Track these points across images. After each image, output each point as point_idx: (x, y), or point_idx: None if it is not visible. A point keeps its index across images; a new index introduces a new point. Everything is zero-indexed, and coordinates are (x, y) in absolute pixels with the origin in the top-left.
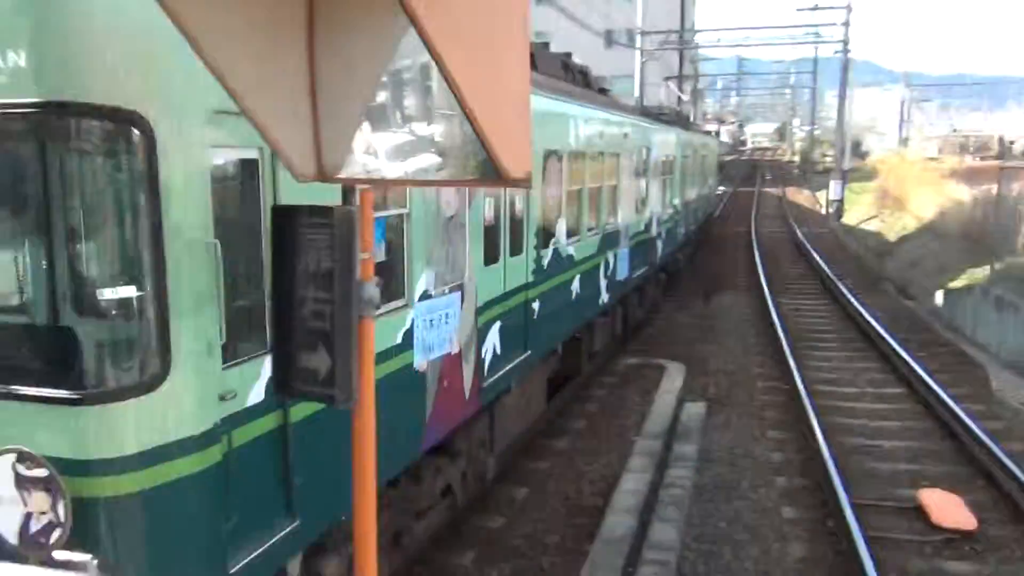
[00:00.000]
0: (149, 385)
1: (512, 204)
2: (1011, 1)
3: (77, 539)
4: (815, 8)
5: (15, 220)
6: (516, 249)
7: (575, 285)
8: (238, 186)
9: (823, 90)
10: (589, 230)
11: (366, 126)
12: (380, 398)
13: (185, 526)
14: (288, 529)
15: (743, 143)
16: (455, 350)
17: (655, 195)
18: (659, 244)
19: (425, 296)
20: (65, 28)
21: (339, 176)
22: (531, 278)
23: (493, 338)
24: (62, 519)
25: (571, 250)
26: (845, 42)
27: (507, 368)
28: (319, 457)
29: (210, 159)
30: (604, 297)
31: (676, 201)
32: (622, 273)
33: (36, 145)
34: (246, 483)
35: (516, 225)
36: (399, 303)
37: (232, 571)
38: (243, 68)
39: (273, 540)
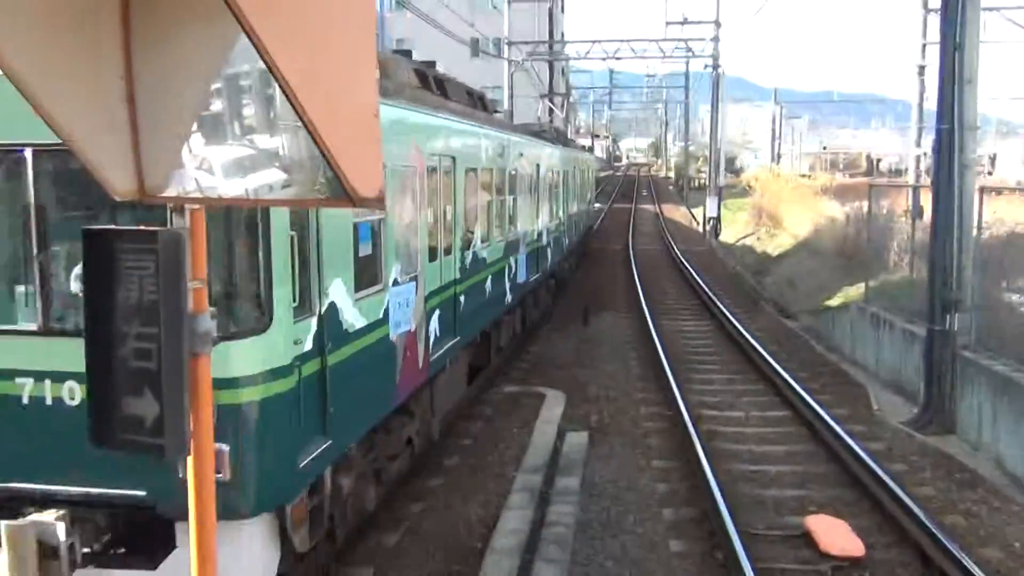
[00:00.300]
0: (262, 330)
1: (444, 211)
2: (875, 24)
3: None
4: (684, 22)
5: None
6: (448, 250)
7: (488, 284)
8: None
9: (696, 105)
10: (497, 237)
11: (198, 138)
12: (367, 361)
13: (279, 426)
14: (324, 446)
15: (618, 158)
16: (412, 328)
17: (544, 208)
18: (549, 252)
19: (395, 282)
20: None
21: (165, 195)
22: (458, 275)
23: (434, 322)
24: None
25: (485, 253)
26: (715, 57)
27: (444, 348)
28: (343, 393)
29: None
30: (508, 297)
31: (561, 214)
32: (521, 276)
33: None
34: (306, 406)
35: (447, 229)
36: (379, 287)
37: (299, 466)
38: (48, 74)
39: (316, 452)
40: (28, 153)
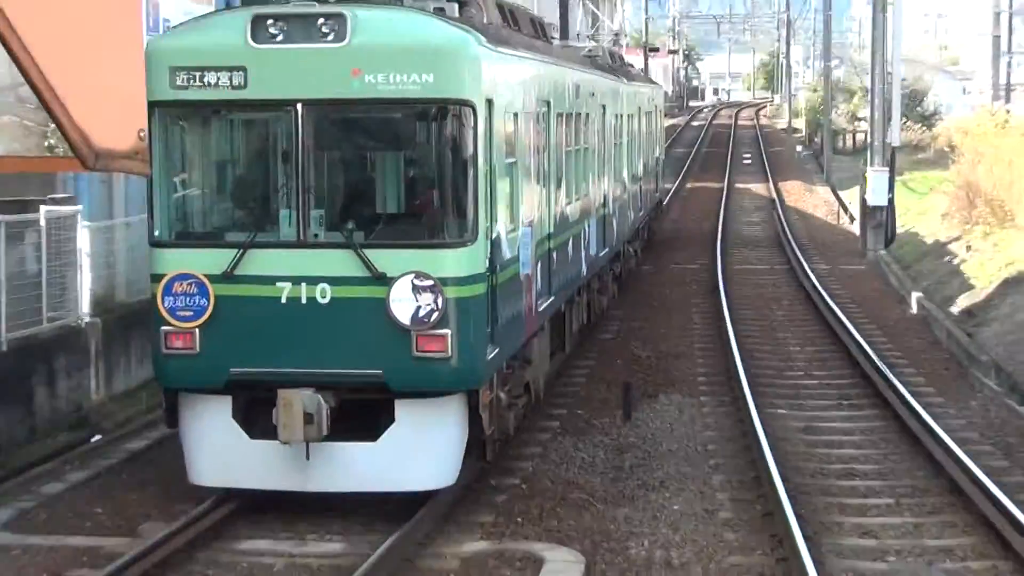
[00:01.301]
0: (470, 242)
1: (543, 160)
2: None
3: (444, 319)
4: None
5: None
6: (546, 201)
7: (570, 247)
8: (498, 131)
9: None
10: (575, 194)
11: None
12: (512, 289)
13: (481, 320)
14: (495, 352)
15: (696, 91)
16: (529, 272)
17: (609, 164)
18: (615, 224)
19: (523, 224)
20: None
21: None
22: (552, 229)
23: (539, 274)
24: (440, 307)
25: (568, 210)
26: None
27: (544, 305)
28: (503, 312)
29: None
30: (584, 269)
31: (626, 174)
32: (593, 247)
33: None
34: (487, 312)
35: (545, 180)
36: (514, 226)
37: (488, 357)
38: None
39: (492, 354)
40: (299, 107)
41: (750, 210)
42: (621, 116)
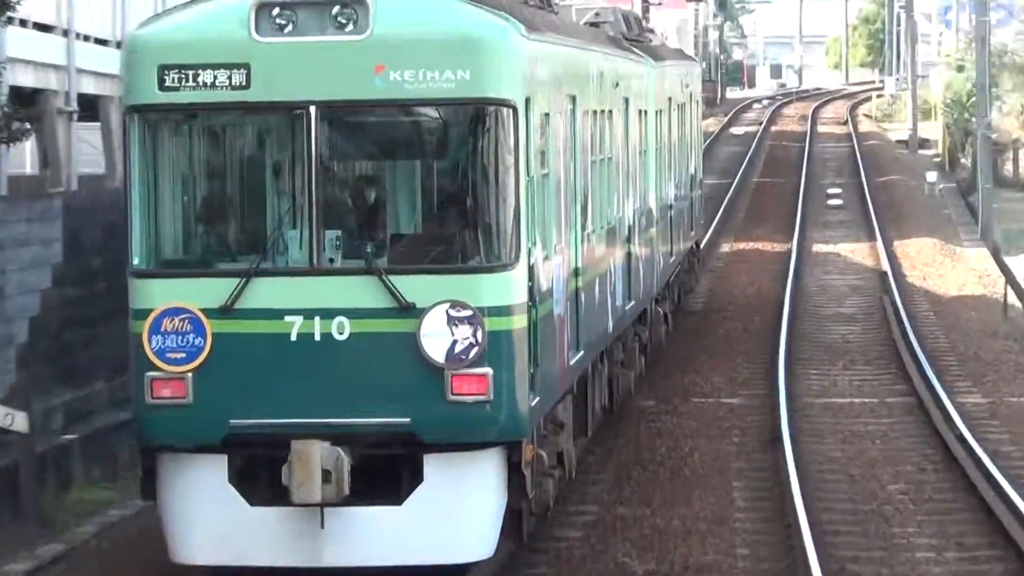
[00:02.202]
0: (512, 266)
1: (567, 171)
2: None
3: (484, 356)
4: None
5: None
6: (570, 225)
7: (596, 289)
8: (535, 136)
9: None
10: (601, 219)
11: None
12: (548, 330)
13: (524, 358)
14: (535, 400)
15: (739, 77)
16: (562, 313)
17: (634, 182)
18: (640, 268)
19: (556, 252)
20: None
21: None
22: (579, 262)
23: (567, 319)
24: (480, 342)
25: (594, 240)
26: None
27: (574, 360)
28: (543, 354)
29: None
30: (609, 324)
31: (653, 197)
32: (619, 296)
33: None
34: (532, 349)
35: (569, 196)
36: (547, 254)
37: (531, 403)
38: None
39: (533, 403)
40: (312, 110)
41: (840, 294)
42: (646, 113)
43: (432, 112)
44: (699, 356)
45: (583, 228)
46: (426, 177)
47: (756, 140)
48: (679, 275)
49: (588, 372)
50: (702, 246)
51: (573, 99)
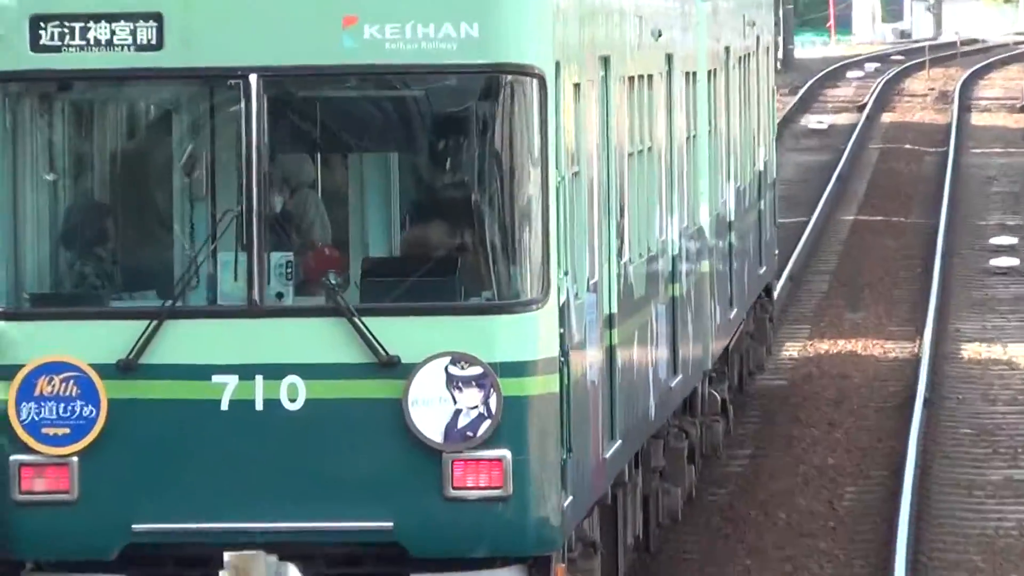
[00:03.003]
0: (539, 304)
1: (594, 169)
2: None
3: (499, 432)
4: None
5: None
6: (599, 252)
7: (634, 351)
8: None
9: None
10: (642, 244)
11: None
12: (578, 402)
13: (554, 436)
14: (569, 501)
15: (814, 13)
16: (596, 379)
17: (681, 183)
18: (689, 324)
19: (591, 287)
20: None
21: None
22: (614, 307)
23: (602, 389)
24: (493, 412)
25: (633, 278)
26: None
27: (611, 452)
28: (576, 431)
29: None
30: (651, 410)
31: (706, 210)
32: (663, 366)
33: None
34: (564, 424)
35: (595, 209)
36: (578, 290)
37: (564, 504)
38: None
39: (566, 503)
40: (253, 80)
41: (1014, 450)
42: (695, 76)
43: (426, 83)
44: (763, 496)
45: (619, 256)
46: (415, 176)
47: (852, 141)
48: (740, 340)
49: (623, 477)
50: (776, 294)
51: (606, 62)
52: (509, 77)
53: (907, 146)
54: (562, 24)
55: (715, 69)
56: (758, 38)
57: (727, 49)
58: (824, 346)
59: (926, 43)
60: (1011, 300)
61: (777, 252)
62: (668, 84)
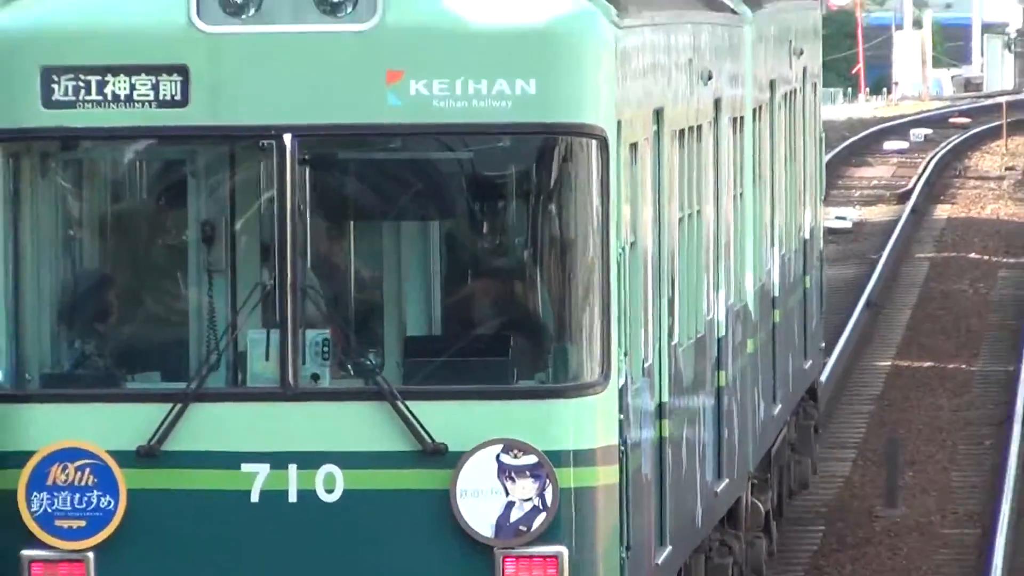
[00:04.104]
0: (600, 387)
1: (648, 240)
2: None
3: (556, 526)
4: None
5: None
6: (657, 336)
7: (684, 444)
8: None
9: None
10: (691, 324)
11: None
12: (635, 495)
13: (615, 531)
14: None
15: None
16: (649, 473)
17: (728, 247)
18: (735, 418)
19: (645, 371)
20: None
21: None
22: (665, 397)
23: (654, 485)
24: (550, 505)
25: (683, 359)
26: None
27: (663, 557)
28: (634, 526)
29: None
30: (699, 514)
31: (751, 286)
32: (710, 465)
33: None
34: (625, 519)
35: (660, 286)
36: (634, 372)
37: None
38: None
39: None
40: (287, 140)
41: None
42: (742, 121)
43: (479, 144)
44: None
45: (670, 336)
46: (464, 246)
47: (891, 247)
48: (781, 449)
49: None
50: (821, 397)
51: (659, 115)
52: (569, 138)
53: (973, 255)
54: (622, 79)
55: (760, 106)
56: (804, 70)
57: (772, 84)
58: (844, 560)
59: (1003, 98)
60: None
61: (823, 345)
62: (715, 134)
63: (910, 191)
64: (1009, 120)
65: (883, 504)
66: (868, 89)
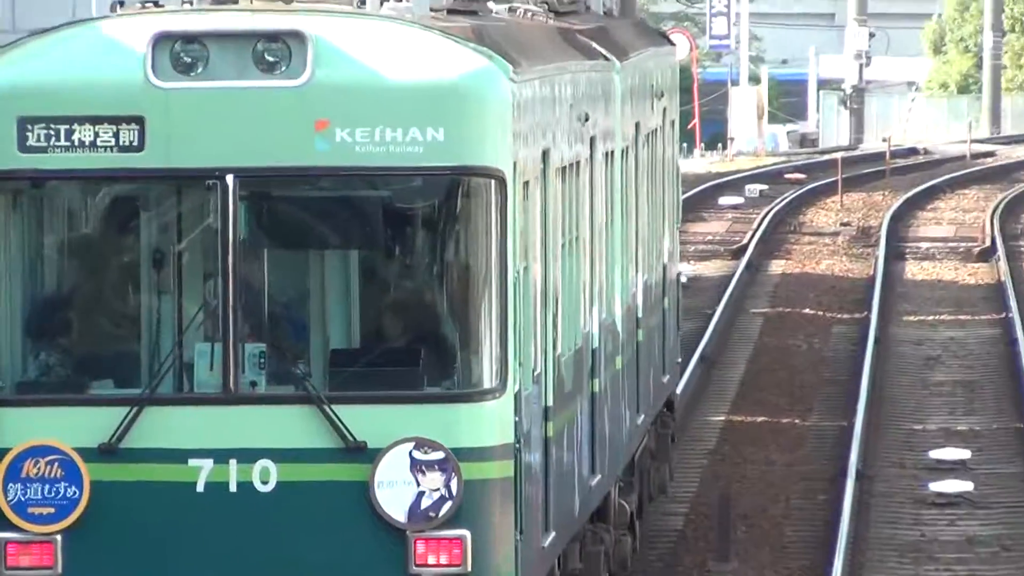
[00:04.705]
0: (498, 393)
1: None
2: None
3: (460, 513)
4: None
5: None
6: (542, 348)
7: (565, 446)
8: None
9: None
10: (571, 341)
11: None
12: (528, 488)
13: (510, 519)
14: None
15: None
16: (537, 468)
17: (599, 271)
18: (606, 426)
19: (535, 379)
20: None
21: None
22: (550, 399)
23: (542, 481)
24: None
25: (565, 370)
26: None
27: (549, 541)
28: (526, 517)
29: None
30: (576, 503)
31: (619, 307)
32: (585, 466)
33: None
34: (519, 509)
35: (545, 303)
36: (525, 381)
37: None
38: None
39: None
40: (230, 180)
41: None
42: (613, 155)
43: (394, 184)
44: None
45: (554, 348)
46: (383, 273)
47: (725, 303)
48: (644, 453)
49: (553, 571)
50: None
51: (545, 155)
52: (472, 178)
53: (808, 311)
54: (517, 126)
55: (627, 146)
56: (664, 111)
57: (637, 125)
58: None
59: (839, 154)
60: (959, 545)
61: (679, 361)
62: (591, 169)
63: (745, 246)
64: (844, 176)
65: (715, 559)
66: (704, 144)
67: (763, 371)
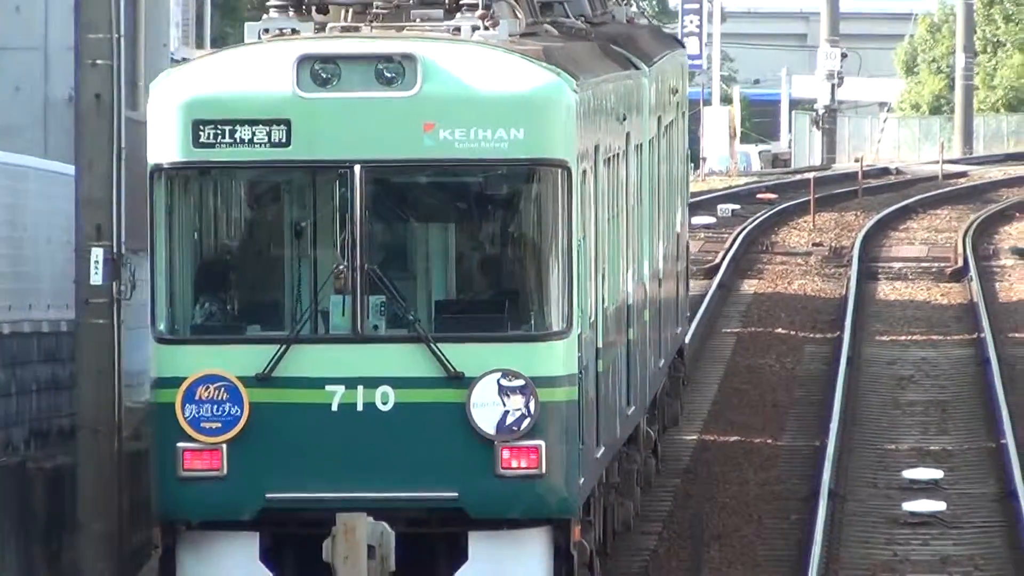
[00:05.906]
0: (566, 334)
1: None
2: None
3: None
4: None
5: None
6: (596, 301)
7: (610, 381)
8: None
9: None
10: (615, 296)
11: None
12: (587, 410)
13: (575, 432)
14: (583, 480)
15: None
16: (592, 395)
17: (633, 240)
18: (638, 364)
19: (591, 325)
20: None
21: None
22: (600, 343)
23: (593, 406)
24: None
25: (612, 321)
26: None
27: (599, 455)
28: (586, 430)
29: None
30: (617, 429)
31: (647, 268)
32: (624, 399)
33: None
34: (581, 424)
35: (597, 266)
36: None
37: (580, 481)
38: None
39: (581, 481)
40: (357, 169)
41: None
42: (642, 147)
43: (485, 172)
44: None
45: (602, 302)
46: (476, 241)
47: (697, 322)
48: (662, 392)
49: (603, 478)
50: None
51: (597, 148)
52: (545, 168)
53: (780, 331)
54: (580, 125)
55: (653, 138)
56: (677, 105)
57: (659, 119)
58: None
59: (811, 174)
60: (932, 565)
61: (688, 314)
62: (626, 158)
63: (717, 266)
64: (816, 196)
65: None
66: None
67: (735, 391)
